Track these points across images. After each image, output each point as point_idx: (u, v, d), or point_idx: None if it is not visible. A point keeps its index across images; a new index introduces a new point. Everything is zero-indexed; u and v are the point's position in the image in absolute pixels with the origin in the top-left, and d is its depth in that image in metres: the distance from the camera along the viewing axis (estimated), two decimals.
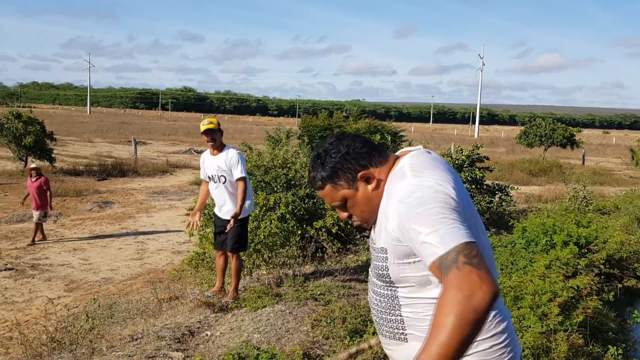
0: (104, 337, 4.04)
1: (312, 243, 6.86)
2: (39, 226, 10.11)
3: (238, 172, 4.95)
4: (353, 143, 1.63)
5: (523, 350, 3.86)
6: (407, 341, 1.62)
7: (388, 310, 1.64)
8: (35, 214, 10.05)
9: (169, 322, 4.18)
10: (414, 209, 1.43)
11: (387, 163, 1.64)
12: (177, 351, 3.44)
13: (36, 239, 10.03)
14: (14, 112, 19.85)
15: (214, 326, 4.02)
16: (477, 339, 1.45)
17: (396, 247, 1.53)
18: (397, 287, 1.60)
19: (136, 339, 3.74)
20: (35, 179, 10.28)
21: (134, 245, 10.30)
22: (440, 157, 1.66)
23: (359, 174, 1.60)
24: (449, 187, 1.47)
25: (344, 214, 1.71)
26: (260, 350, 2.98)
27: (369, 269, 1.70)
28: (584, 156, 29.76)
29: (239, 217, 4.92)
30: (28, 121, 19.20)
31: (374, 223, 1.65)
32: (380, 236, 1.60)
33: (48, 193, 10.29)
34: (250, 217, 6.64)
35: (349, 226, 7.27)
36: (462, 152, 9.88)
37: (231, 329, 3.88)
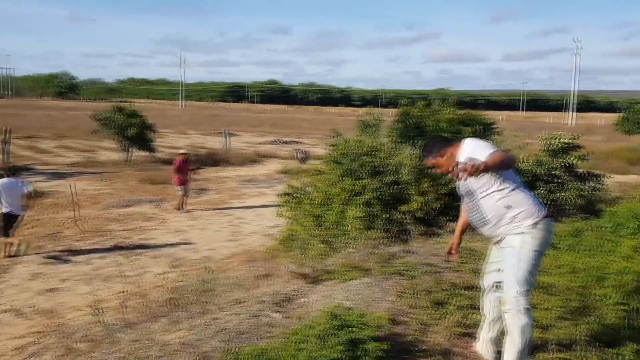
0: (212, 302, 4.56)
1: (396, 225, 7.13)
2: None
3: None
4: (439, 143, 3.40)
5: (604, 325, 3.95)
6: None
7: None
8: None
9: (267, 290, 4.64)
10: None
11: (450, 148, 3.30)
12: (277, 312, 3.87)
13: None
14: (116, 107, 21.54)
15: (308, 294, 4.43)
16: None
17: None
18: None
19: (240, 303, 4.22)
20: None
21: (229, 228, 11.04)
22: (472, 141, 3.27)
23: (439, 152, 3.33)
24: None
25: (443, 169, 3.36)
26: (351, 311, 3.33)
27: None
28: None
29: None
30: (131, 114, 20.76)
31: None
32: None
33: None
34: (336, 202, 7.01)
35: (433, 210, 7.45)
36: (558, 140, 9.53)
37: (323, 297, 4.27)
